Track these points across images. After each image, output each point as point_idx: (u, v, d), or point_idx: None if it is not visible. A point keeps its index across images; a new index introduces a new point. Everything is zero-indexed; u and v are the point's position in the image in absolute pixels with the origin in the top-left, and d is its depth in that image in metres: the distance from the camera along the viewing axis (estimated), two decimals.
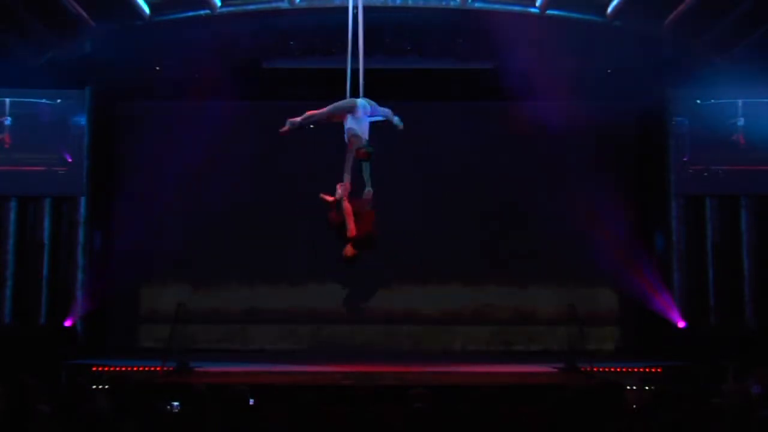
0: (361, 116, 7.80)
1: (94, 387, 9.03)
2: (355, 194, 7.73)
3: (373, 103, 8.03)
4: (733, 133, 12.47)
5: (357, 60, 8.22)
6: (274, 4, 11.80)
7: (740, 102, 12.51)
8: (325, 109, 7.89)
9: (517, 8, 11.79)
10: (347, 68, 8.12)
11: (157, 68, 12.63)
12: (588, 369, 10.63)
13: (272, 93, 13.04)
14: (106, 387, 8.90)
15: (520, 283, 13.60)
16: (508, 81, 11.80)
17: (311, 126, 7.98)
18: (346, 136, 7.79)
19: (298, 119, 7.83)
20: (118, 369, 10.85)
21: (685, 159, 12.70)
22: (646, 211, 13.44)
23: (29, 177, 12.58)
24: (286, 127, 7.81)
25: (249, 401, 6.61)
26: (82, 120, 12.75)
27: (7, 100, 12.52)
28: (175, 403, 7.26)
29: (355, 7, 8.41)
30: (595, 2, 11.78)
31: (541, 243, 13.25)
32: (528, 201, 13.26)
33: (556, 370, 11.12)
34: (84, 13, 11.41)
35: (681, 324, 12.35)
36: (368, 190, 7.77)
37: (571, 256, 13.08)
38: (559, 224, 12.96)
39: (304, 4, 11.76)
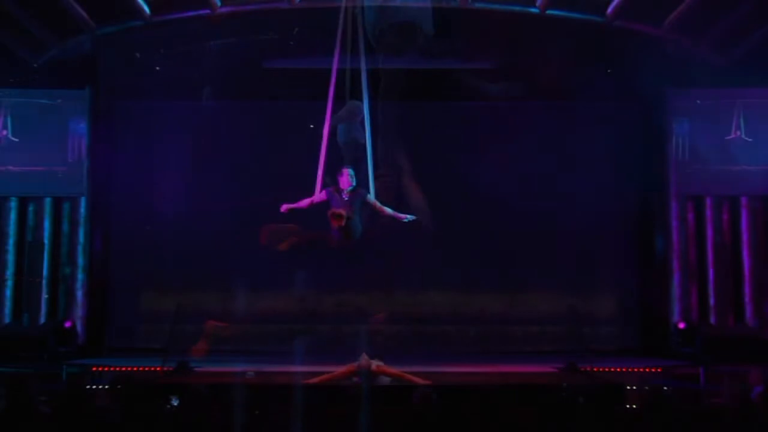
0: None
1: (94, 387, 9.02)
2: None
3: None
4: (733, 134, 12.47)
5: (358, 60, 8.19)
6: (274, 4, 11.80)
7: (740, 102, 12.52)
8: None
9: (517, 8, 11.79)
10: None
11: (157, 68, 12.63)
12: (588, 369, 10.62)
13: (272, 93, 13.04)
14: (107, 387, 8.89)
15: (520, 283, 13.57)
16: (508, 81, 11.79)
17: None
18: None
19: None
20: (118, 369, 10.84)
21: (685, 159, 12.69)
22: (646, 211, 13.43)
23: (29, 177, 12.56)
24: None
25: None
26: (82, 120, 12.75)
27: (8, 100, 12.52)
28: (174, 401, 7.23)
29: (355, 7, 8.41)
30: (595, 2, 11.78)
31: (541, 242, 13.22)
32: (528, 201, 13.22)
33: (556, 370, 11.11)
34: (84, 13, 11.42)
35: (681, 324, 12.34)
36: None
37: (571, 255, 13.06)
38: (559, 224, 12.96)
39: (304, 4, 11.76)
